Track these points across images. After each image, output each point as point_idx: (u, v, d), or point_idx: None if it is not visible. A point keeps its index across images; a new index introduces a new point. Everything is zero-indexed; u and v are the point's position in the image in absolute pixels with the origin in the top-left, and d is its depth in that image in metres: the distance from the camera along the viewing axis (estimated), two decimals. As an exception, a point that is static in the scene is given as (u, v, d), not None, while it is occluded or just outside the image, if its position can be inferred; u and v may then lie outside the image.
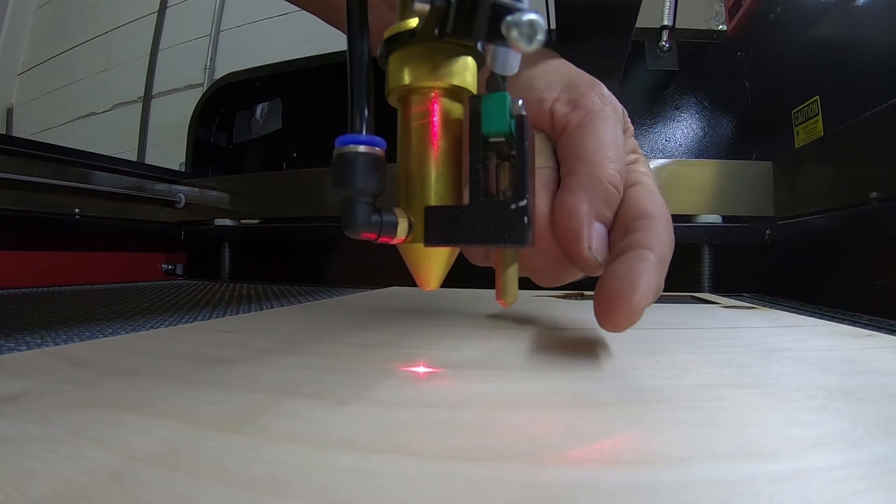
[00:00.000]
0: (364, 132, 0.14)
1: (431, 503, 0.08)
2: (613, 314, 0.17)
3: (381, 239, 0.15)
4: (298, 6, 0.30)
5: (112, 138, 1.53)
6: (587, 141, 0.20)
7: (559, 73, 0.22)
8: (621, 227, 0.20)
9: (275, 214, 0.83)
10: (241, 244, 0.87)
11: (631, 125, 0.23)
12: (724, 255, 0.65)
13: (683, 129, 0.76)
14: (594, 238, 0.19)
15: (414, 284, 0.17)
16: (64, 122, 1.72)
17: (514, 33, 0.13)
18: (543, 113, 0.21)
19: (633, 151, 0.23)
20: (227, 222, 0.85)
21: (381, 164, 0.14)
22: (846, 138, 0.51)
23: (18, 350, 0.21)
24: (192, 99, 1.07)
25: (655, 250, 0.18)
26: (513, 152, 0.15)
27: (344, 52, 0.15)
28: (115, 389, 0.14)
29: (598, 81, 0.22)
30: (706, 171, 0.66)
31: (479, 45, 0.16)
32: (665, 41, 0.70)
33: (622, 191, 0.20)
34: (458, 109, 0.16)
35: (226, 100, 0.98)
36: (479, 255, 0.23)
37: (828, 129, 0.55)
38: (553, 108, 0.21)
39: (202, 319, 0.31)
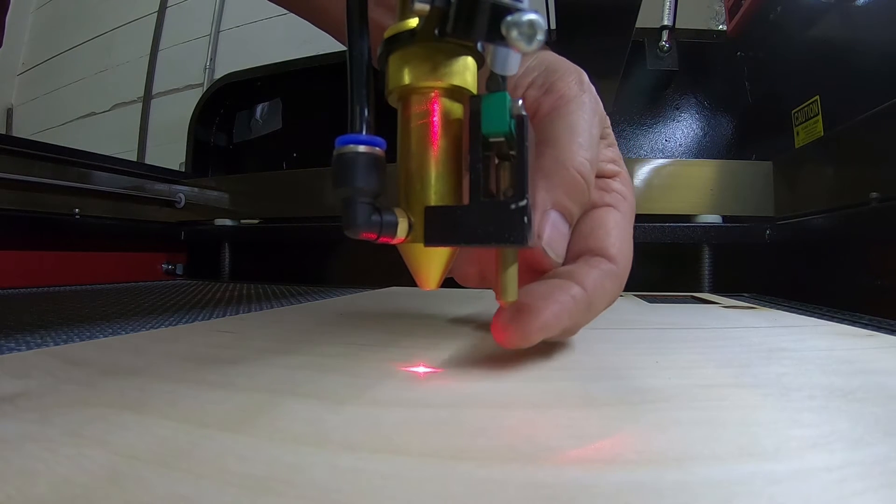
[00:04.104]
0: (364, 132, 0.14)
1: (431, 503, 0.08)
2: (507, 328, 0.16)
3: (381, 239, 0.15)
4: (286, 9, 0.30)
5: (112, 138, 1.53)
6: (557, 125, 0.18)
7: (539, 60, 0.20)
8: (571, 254, 0.18)
9: (275, 214, 0.83)
10: (241, 244, 0.87)
11: (613, 136, 0.21)
12: (724, 255, 0.65)
13: (683, 129, 0.76)
14: (547, 228, 0.17)
15: (414, 284, 0.17)
16: (64, 122, 1.72)
17: (514, 33, 0.13)
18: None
19: (613, 162, 0.21)
20: (227, 222, 0.85)
21: (381, 164, 0.14)
22: (846, 138, 0.51)
23: (18, 350, 0.21)
24: (192, 99, 1.07)
25: (588, 291, 0.17)
26: (513, 152, 0.15)
27: (344, 51, 0.15)
28: (115, 389, 0.14)
29: (581, 70, 0.20)
30: (706, 171, 0.66)
31: (479, 45, 0.16)
32: (665, 41, 0.70)
33: (592, 187, 0.18)
34: (458, 109, 0.16)
35: (226, 100, 0.98)
36: (472, 280, 0.21)
37: (828, 129, 0.55)
38: (525, 93, 0.19)
39: (202, 319, 0.31)
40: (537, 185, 0.17)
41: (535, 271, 0.18)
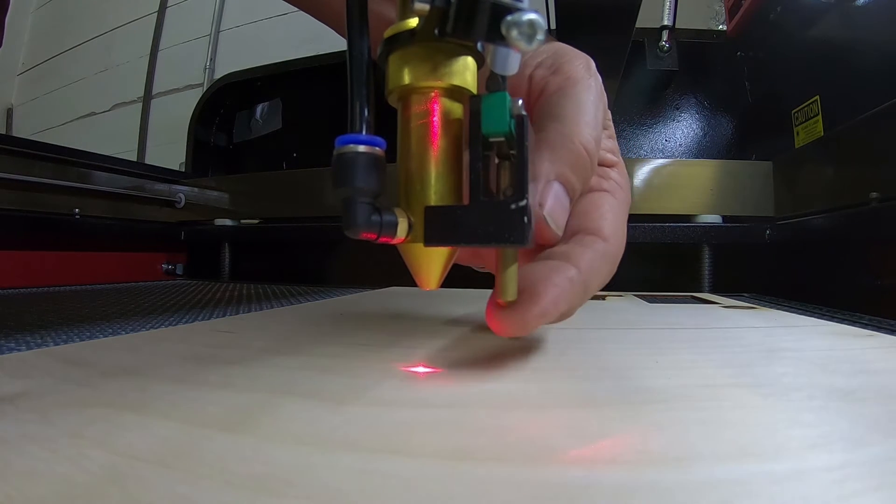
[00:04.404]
0: (364, 132, 0.14)
1: (431, 503, 0.08)
2: (503, 316, 0.15)
3: (380, 239, 0.15)
4: (293, 4, 0.30)
5: (112, 138, 1.53)
6: (564, 102, 0.18)
7: (548, 45, 0.20)
8: (566, 233, 0.18)
9: (275, 214, 0.83)
10: (241, 244, 0.87)
11: (613, 128, 0.22)
12: (724, 255, 0.65)
13: (683, 129, 0.76)
14: (549, 198, 0.16)
15: (414, 284, 0.17)
16: (64, 122, 1.72)
17: (514, 33, 0.13)
18: (522, 78, 0.19)
19: (612, 152, 0.21)
20: (227, 222, 0.85)
21: (381, 163, 0.14)
22: (846, 138, 0.51)
23: (18, 350, 0.21)
24: (192, 99, 1.07)
25: (584, 273, 0.16)
26: (513, 152, 0.15)
27: (344, 51, 0.15)
28: (115, 389, 0.14)
29: (589, 57, 0.20)
30: (706, 171, 0.66)
31: (479, 45, 0.16)
32: (665, 41, 0.70)
33: (595, 165, 0.18)
34: (458, 109, 0.16)
35: (226, 100, 0.98)
36: (464, 256, 0.21)
37: (828, 129, 0.55)
38: (533, 73, 0.19)
39: (202, 319, 0.31)
40: (542, 156, 0.17)
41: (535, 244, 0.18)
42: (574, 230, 0.18)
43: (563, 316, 0.17)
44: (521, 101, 0.15)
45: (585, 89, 0.18)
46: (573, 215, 0.19)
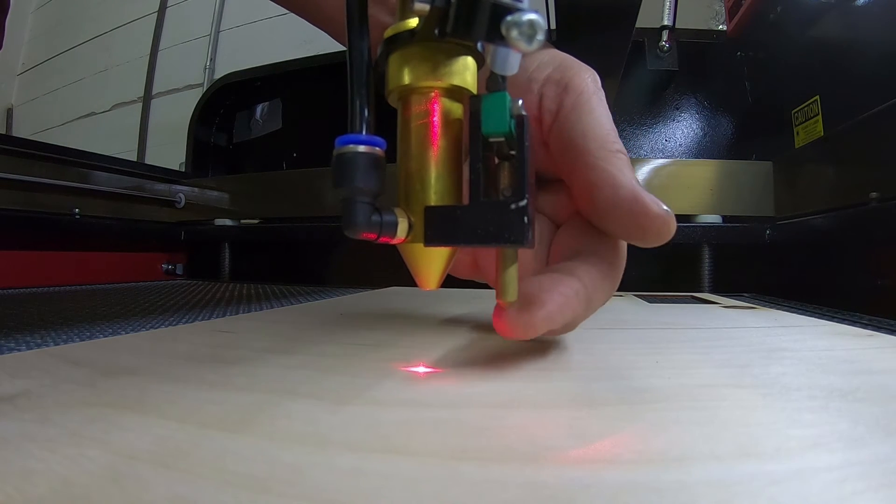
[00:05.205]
0: (364, 132, 0.14)
1: (431, 503, 0.08)
2: (510, 319, 0.16)
3: (381, 239, 0.15)
4: (282, 6, 0.30)
5: (112, 138, 1.53)
6: (587, 120, 0.19)
7: (550, 55, 0.21)
8: (570, 251, 0.19)
9: (275, 214, 0.83)
10: (241, 244, 0.87)
11: None
12: (724, 255, 0.65)
13: (683, 129, 0.76)
14: (656, 199, 0.17)
15: (414, 284, 0.17)
16: (64, 122, 1.72)
17: (514, 33, 0.13)
18: (532, 95, 0.20)
19: None
20: (227, 222, 0.85)
21: (381, 163, 0.14)
22: (846, 138, 0.51)
23: (18, 350, 0.21)
24: (192, 99, 1.07)
25: (588, 289, 0.17)
26: (513, 152, 0.15)
27: (344, 51, 0.15)
28: (115, 389, 0.14)
29: (593, 69, 0.20)
30: (706, 171, 0.66)
31: (479, 45, 0.16)
32: (665, 41, 0.70)
33: None
34: (458, 109, 0.16)
35: (226, 100, 0.98)
36: (465, 270, 0.22)
37: (828, 129, 0.55)
38: (542, 90, 0.20)
39: (202, 319, 0.31)
40: (606, 172, 0.17)
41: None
42: (579, 249, 0.19)
43: (566, 327, 0.18)
44: (521, 101, 0.15)
45: (599, 103, 0.19)
46: (577, 234, 0.19)
